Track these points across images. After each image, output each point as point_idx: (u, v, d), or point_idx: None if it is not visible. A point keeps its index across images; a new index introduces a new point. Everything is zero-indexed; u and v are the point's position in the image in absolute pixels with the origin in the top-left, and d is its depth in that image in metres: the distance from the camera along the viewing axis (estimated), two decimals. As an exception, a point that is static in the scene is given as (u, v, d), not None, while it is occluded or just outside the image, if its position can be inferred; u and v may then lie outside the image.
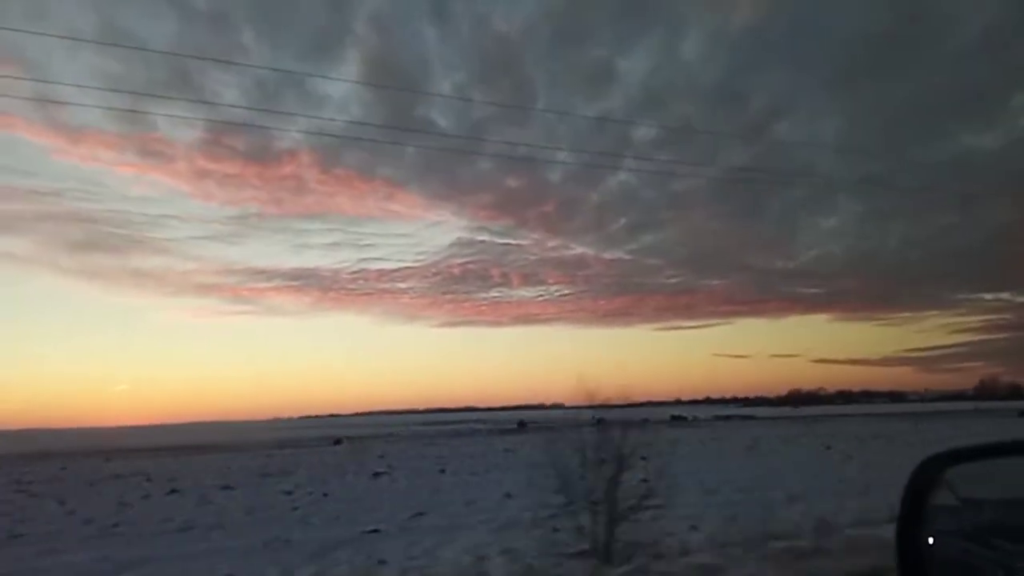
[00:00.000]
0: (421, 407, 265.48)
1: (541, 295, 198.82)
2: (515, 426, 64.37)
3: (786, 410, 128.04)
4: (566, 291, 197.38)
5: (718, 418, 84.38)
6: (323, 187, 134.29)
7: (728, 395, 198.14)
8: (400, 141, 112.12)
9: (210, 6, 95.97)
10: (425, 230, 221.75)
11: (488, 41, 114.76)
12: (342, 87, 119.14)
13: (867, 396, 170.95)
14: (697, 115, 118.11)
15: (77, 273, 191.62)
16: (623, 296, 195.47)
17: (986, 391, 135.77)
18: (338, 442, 48.43)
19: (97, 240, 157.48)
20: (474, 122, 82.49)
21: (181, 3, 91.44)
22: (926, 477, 2.04)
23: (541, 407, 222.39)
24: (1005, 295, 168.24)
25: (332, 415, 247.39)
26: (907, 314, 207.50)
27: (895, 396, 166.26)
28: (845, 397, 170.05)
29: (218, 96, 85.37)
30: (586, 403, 8.95)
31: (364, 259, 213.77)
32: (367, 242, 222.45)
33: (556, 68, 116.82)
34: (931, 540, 1.99)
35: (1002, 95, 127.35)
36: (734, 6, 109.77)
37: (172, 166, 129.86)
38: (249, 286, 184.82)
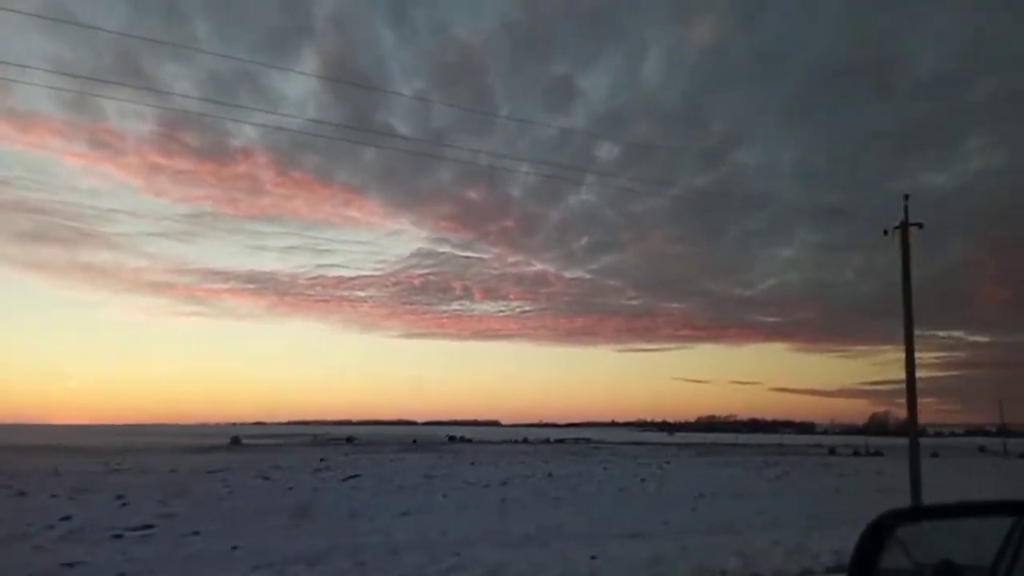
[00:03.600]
0: (356, 419, 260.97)
1: (503, 310, 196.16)
2: (228, 442, 59.95)
3: (663, 436, 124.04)
4: (528, 308, 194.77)
5: (507, 442, 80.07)
6: (279, 189, 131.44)
7: (682, 419, 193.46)
8: (359, 145, 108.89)
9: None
10: (384, 239, 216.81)
11: (448, 50, 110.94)
12: (299, 88, 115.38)
13: (779, 425, 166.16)
14: (657, 136, 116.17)
15: (25, 264, 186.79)
16: (584, 316, 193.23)
17: (876, 426, 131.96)
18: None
19: (46, 231, 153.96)
20: (434, 131, 79.21)
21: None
22: (878, 534, 1.99)
23: (474, 423, 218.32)
24: (958, 333, 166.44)
25: (257, 423, 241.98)
26: (863, 347, 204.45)
27: (804, 427, 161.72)
28: (755, 425, 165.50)
29: (171, 89, 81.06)
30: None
31: (322, 265, 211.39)
32: (325, 248, 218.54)
33: (517, 82, 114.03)
34: None
35: (957, 136, 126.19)
36: (694, 30, 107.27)
37: (123, 159, 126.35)
38: (204, 287, 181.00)
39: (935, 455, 57.88)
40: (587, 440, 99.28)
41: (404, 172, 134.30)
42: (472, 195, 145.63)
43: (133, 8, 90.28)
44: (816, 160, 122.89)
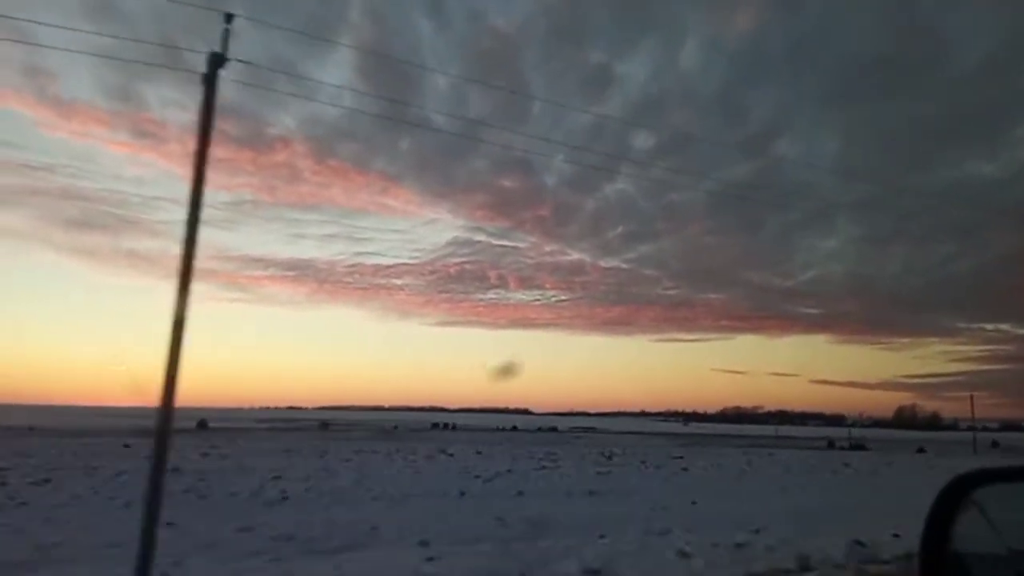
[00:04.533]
0: (388, 405, 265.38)
1: (538, 299, 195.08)
2: (194, 425, 60.59)
3: (674, 427, 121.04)
4: (563, 297, 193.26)
5: (492, 430, 78.98)
6: (317, 177, 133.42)
7: (712, 409, 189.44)
8: (395, 134, 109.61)
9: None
10: (421, 227, 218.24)
11: (484, 38, 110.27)
12: (336, 77, 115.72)
13: (808, 417, 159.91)
14: (695, 125, 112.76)
15: (70, 250, 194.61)
16: (621, 305, 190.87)
17: (904, 420, 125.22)
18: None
19: (91, 218, 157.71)
20: (470, 120, 79.48)
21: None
22: (955, 495, 1.96)
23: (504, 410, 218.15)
24: (1004, 326, 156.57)
25: (291, 407, 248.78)
26: (906, 340, 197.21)
27: (834, 419, 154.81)
28: (784, 416, 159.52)
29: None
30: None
31: (360, 253, 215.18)
32: (362, 236, 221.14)
33: (553, 70, 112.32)
34: (955, 557, 1.92)
35: (1004, 124, 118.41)
36: (734, 17, 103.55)
37: (165, 147, 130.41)
38: (244, 274, 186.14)
39: (921, 451, 53.76)
40: (592, 429, 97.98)
41: (440, 161, 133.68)
42: (507, 184, 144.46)
43: None
44: (858, 150, 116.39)
